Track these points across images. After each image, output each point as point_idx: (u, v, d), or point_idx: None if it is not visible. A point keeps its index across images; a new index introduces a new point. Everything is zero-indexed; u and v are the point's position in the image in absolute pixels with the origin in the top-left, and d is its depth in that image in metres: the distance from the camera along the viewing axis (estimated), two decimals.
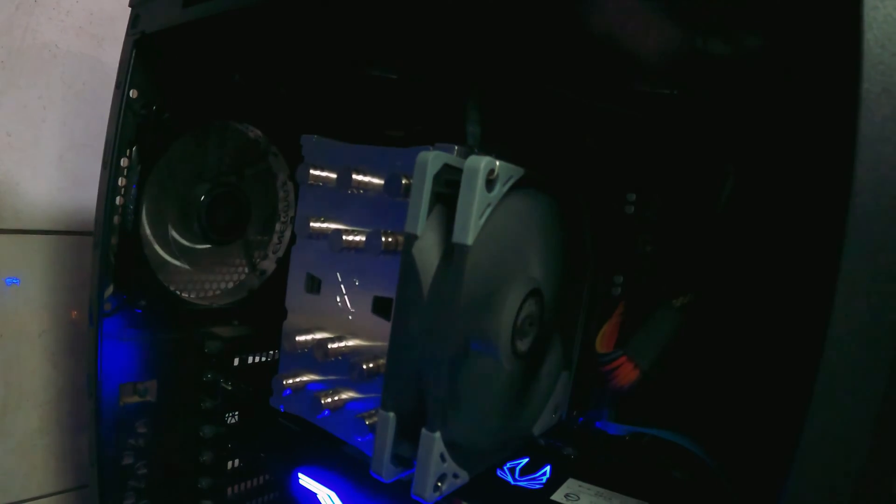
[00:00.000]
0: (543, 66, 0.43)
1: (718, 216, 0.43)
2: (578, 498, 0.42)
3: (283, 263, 0.63)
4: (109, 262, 0.50)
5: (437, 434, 0.32)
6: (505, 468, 0.46)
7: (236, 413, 0.58)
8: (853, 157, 0.22)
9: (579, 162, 0.48)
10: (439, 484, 0.34)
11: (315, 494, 0.47)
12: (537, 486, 0.44)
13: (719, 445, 0.39)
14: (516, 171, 0.34)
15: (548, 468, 0.46)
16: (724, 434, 0.39)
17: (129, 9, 0.50)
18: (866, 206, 0.21)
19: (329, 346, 0.38)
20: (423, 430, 0.32)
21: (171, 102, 0.51)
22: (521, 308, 0.37)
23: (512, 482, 0.45)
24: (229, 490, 0.61)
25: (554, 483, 0.44)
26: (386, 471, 0.34)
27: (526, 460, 0.47)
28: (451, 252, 0.32)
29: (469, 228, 0.31)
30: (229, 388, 0.57)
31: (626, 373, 0.41)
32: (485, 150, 0.34)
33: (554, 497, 0.42)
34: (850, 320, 0.22)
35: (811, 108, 0.31)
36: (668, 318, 0.41)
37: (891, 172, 0.21)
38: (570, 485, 0.44)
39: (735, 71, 0.36)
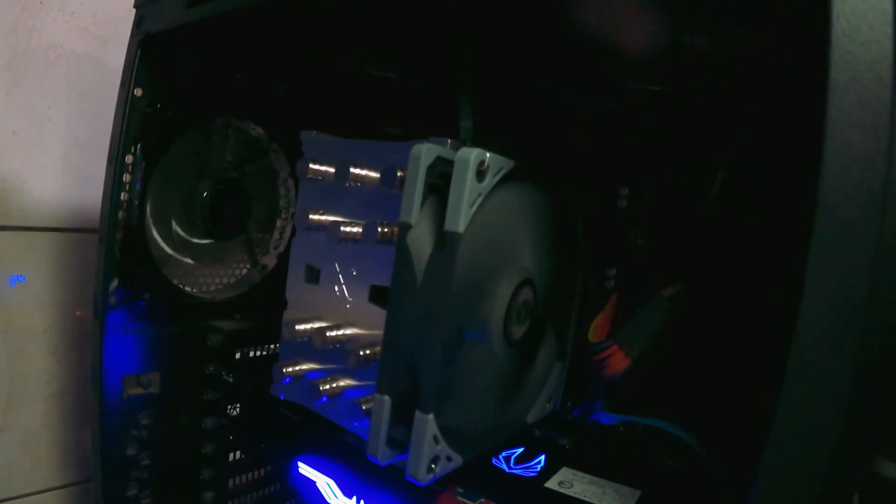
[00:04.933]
0: (533, 63, 0.45)
1: (709, 209, 0.44)
2: (572, 485, 0.43)
3: (284, 259, 0.64)
4: (114, 257, 0.51)
5: (430, 416, 0.33)
6: (500, 457, 0.46)
7: (238, 405, 0.59)
8: (822, 142, 0.23)
9: (572, 157, 0.49)
10: (433, 465, 0.34)
11: (314, 482, 0.48)
12: (531, 475, 0.45)
13: (709, 434, 0.40)
14: (507, 163, 0.35)
15: (542, 457, 0.47)
16: (712, 422, 0.40)
17: (134, 10, 0.51)
18: (835, 189, 0.23)
19: (328, 333, 0.39)
20: (417, 412, 0.33)
21: (174, 100, 0.53)
22: (513, 296, 0.38)
23: (507, 470, 0.45)
24: (231, 481, 0.62)
25: (548, 471, 0.45)
26: (381, 454, 0.35)
27: (521, 450, 0.48)
28: (444, 240, 0.33)
29: (460, 217, 0.32)
30: (231, 380, 0.58)
31: (617, 361, 0.42)
32: (478, 144, 0.35)
33: (548, 485, 0.43)
34: (820, 300, 0.23)
35: (792, 102, 0.32)
36: (658, 307, 0.42)
37: (858, 157, 0.22)
38: (564, 473, 0.45)
39: (721, 66, 0.37)
